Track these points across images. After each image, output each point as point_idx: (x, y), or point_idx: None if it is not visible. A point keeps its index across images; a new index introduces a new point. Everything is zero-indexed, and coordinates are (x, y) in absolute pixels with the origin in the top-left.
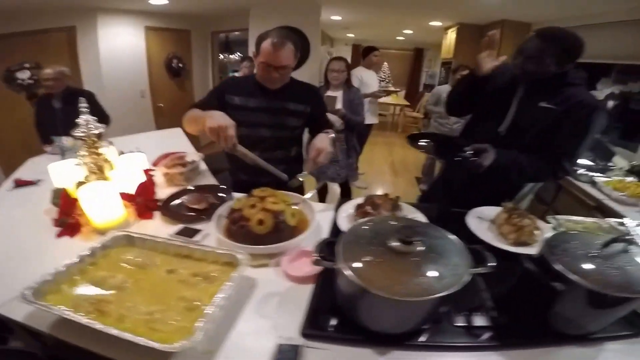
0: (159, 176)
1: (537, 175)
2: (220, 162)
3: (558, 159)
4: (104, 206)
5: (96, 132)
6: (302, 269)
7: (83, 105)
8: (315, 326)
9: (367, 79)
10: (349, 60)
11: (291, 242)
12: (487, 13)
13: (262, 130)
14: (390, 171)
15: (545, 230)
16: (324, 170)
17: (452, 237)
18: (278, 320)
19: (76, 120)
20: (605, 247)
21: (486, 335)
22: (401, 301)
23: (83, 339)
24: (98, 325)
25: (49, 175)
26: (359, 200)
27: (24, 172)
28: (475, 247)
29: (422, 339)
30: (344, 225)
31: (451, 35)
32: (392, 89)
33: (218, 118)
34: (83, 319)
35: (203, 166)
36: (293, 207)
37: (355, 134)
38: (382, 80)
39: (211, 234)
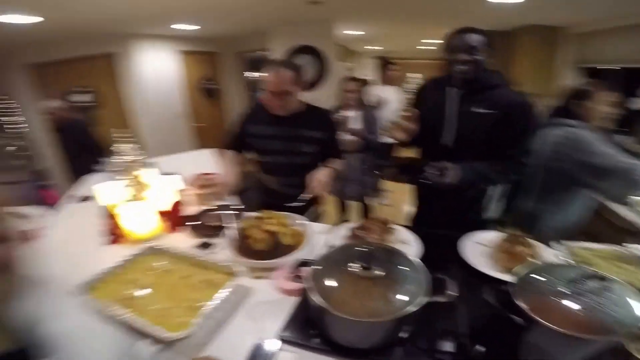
0: (191, 195)
1: (500, 178)
2: (246, 181)
3: (514, 158)
4: (139, 222)
5: (134, 158)
6: (292, 283)
7: (127, 136)
8: (291, 332)
9: (386, 96)
10: (373, 73)
11: (284, 259)
12: (509, 19)
13: (278, 157)
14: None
15: (548, 257)
16: (343, 189)
17: (417, 264)
18: (263, 324)
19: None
20: (577, 284)
21: None
22: (351, 320)
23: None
24: (124, 315)
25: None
26: (354, 224)
27: (79, 188)
28: (440, 275)
29: (384, 356)
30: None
31: None
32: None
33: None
34: (116, 311)
35: None
36: (293, 227)
37: (373, 153)
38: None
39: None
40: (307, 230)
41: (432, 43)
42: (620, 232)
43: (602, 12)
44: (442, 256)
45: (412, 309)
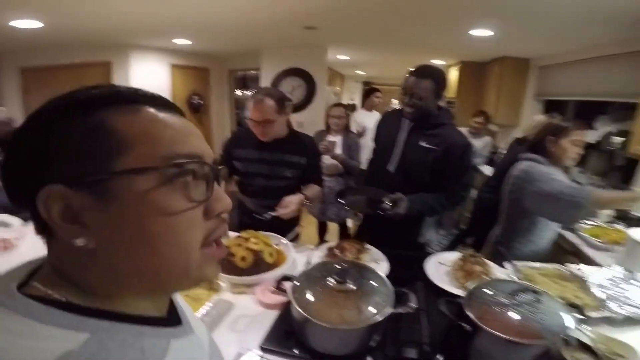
0: None
1: (443, 208)
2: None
3: (454, 191)
4: None
5: None
6: (272, 297)
7: None
8: (272, 343)
9: (368, 123)
10: (360, 97)
11: (265, 276)
12: (486, 51)
13: (260, 180)
14: None
15: (500, 275)
16: (324, 211)
17: (384, 279)
18: (245, 335)
19: None
20: (513, 297)
21: None
22: (328, 328)
23: None
24: None
25: None
26: (332, 243)
27: None
28: (403, 290)
29: None
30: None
31: (453, 74)
32: None
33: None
34: None
35: None
36: (275, 246)
37: (353, 178)
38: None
39: None
40: (288, 249)
41: None
42: (566, 253)
43: (558, 46)
44: (409, 273)
45: (379, 318)
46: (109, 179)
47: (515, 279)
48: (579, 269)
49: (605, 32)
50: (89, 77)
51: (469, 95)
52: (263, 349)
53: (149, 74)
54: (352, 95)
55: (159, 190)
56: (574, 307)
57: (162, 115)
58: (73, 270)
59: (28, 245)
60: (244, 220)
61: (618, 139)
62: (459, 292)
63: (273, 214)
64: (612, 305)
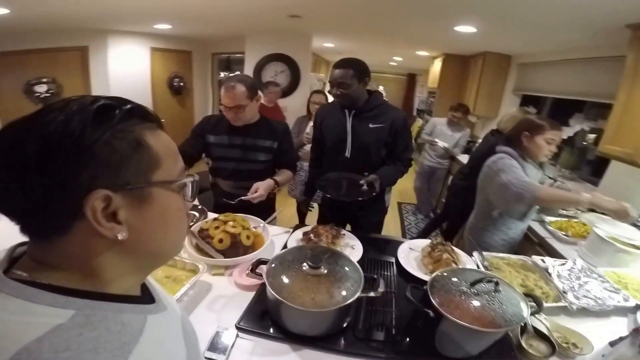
0: None
1: (402, 174)
2: (206, 181)
3: (403, 159)
4: None
5: None
6: (249, 279)
7: None
8: (247, 322)
9: None
10: None
11: (242, 258)
12: (470, 46)
13: (233, 164)
14: None
15: (468, 264)
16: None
17: (355, 265)
18: (222, 315)
19: None
20: (474, 285)
21: (379, 348)
22: (301, 310)
23: None
24: None
25: None
26: (307, 228)
27: None
28: (373, 275)
29: (328, 343)
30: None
31: (437, 65)
32: None
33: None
34: None
35: None
36: (253, 229)
37: None
38: None
39: (185, 246)
40: (266, 232)
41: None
42: (533, 244)
43: (536, 46)
44: (382, 258)
45: (347, 302)
46: (147, 187)
47: (482, 267)
48: (543, 261)
49: (583, 37)
50: (63, 62)
51: (450, 87)
52: (238, 328)
53: (127, 57)
54: None
55: (176, 195)
56: (532, 297)
57: (167, 136)
58: (76, 259)
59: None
60: (219, 201)
61: (591, 136)
62: (427, 278)
63: (243, 198)
64: (570, 296)
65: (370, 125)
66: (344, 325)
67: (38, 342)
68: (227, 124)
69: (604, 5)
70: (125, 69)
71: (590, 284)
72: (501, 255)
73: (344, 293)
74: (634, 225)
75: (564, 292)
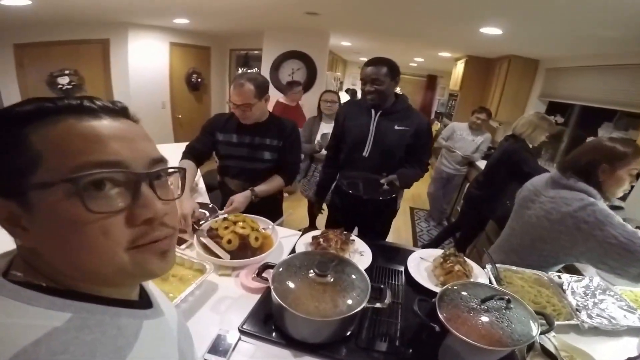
0: None
1: (419, 177)
2: (215, 180)
3: (422, 162)
4: None
5: None
6: (255, 282)
7: None
8: (251, 325)
9: None
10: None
11: (249, 260)
12: (495, 48)
13: (243, 163)
14: None
15: (481, 276)
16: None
17: (363, 274)
18: (226, 316)
19: None
20: (484, 302)
21: (381, 358)
22: (304, 318)
23: None
24: None
25: None
26: (317, 232)
27: None
28: (380, 285)
29: (330, 351)
30: (300, 250)
31: (459, 67)
32: None
33: (181, 205)
34: None
35: (201, 184)
36: (262, 230)
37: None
38: None
39: (194, 245)
40: (274, 234)
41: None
42: None
43: (566, 50)
44: (392, 267)
45: (352, 312)
46: (26, 192)
47: (494, 281)
48: (559, 276)
49: (616, 41)
50: (85, 54)
51: (472, 90)
52: (241, 331)
53: (147, 51)
54: (355, 80)
55: (67, 202)
56: (543, 315)
57: (83, 124)
58: (40, 262)
59: None
60: (226, 201)
61: None
62: (437, 289)
63: (221, 212)
64: (583, 314)
65: (396, 127)
66: (347, 334)
67: (35, 344)
68: (237, 122)
69: None
70: (145, 63)
71: (606, 302)
72: (514, 268)
73: (349, 302)
74: None
75: (577, 310)
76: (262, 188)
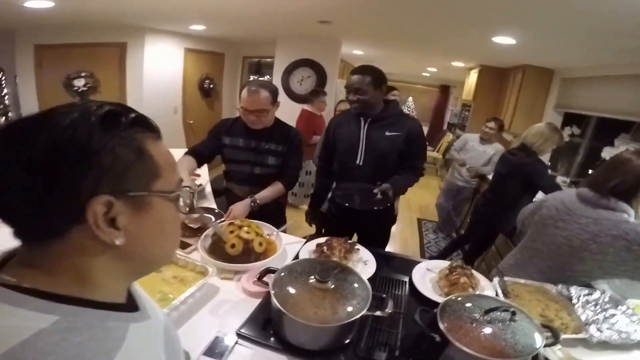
0: None
1: (413, 183)
2: (221, 184)
3: (416, 168)
4: None
5: None
6: (256, 286)
7: None
8: (249, 329)
9: None
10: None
11: (252, 265)
12: (509, 57)
13: (248, 167)
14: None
15: (487, 289)
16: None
17: (364, 282)
18: (225, 320)
19: None
20: (488, 313)
21: None
22: (303, 323)
23: None
24: None
25: None
26: (321, 240)
27: None
28: (382, 294)
29: (327, 359)
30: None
31: (473, 77)
32: None
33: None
34: None
35: (209, 189)
36: (266, 236)
37: None
38: None
39: (198, 249)
40: (279, 241)
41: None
42: None
43: (582, 60)
44: (396, 277)
45: (350, 320)
46: (147, 196)
47: (501, 294)
48: (568, 289)
49: (634, 50)
50: (102, 57)
51: (486, 100)
52: (239, 335)
53: (162, 56)
54: None
55: (172, 205)
56: (549, 328)
57: (166, 148)
58: (68, 263)
59: None
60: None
61: None
62: (441, 300)
63: (216, 223)
64: (592, 328)
65: (387, 133)
66: (346, 341)
67: (23, 345)
68: (243, 126)
69: None
70: (159, 68)
71: (618, 316)
72: (522, 281)
73: (349, 310)
74: None
75: (587, 323)
76: (262, 195)
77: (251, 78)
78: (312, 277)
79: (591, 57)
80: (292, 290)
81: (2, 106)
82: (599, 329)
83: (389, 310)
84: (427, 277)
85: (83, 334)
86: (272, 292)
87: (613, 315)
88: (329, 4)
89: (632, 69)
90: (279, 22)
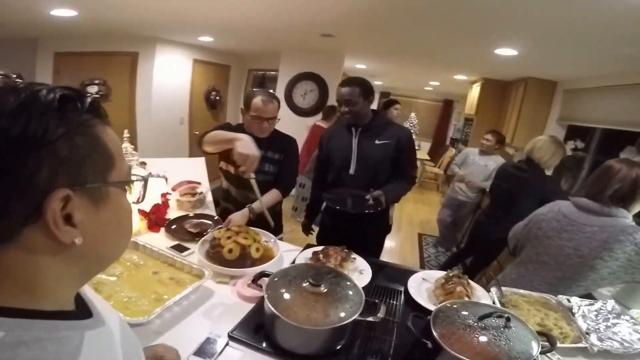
0: (173, 200)
1: (406, 191)
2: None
3: (408, 176)
4: None
5: (131, 159)
6: (250, 290)
7: (125, 135)
8: (240, 332)
9: None
10: (376, 107)
11: (247, 270)
12: (511, 70)
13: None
14: (396, 225)
15: (484, 299)
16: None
17: (357, 288)
18: (217, 322)
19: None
20: (482, 320)
21: None
22: (293, 326)
23: None
24: None
25: None
26: (318, 248)
27: None
28: (375, 300)
29: None
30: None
31: (475, 90)
32: None
33: (249, 146)
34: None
35: (209, 197)
36: (264, 242)
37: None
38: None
39: (196, 253)
40: (276, 247)
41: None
42: None
43: (585, 71)
44: (392, 285)
45: (342, 323)
46: (104, 187)
47: (498, 303)
48: (569, 300)
49: (638, 57)
50: (115, 65)
51: (489, 114)
52: (231, 337)
53: (171, 66)
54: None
55: (125, 194)
56: (545, 335)
57: (114, 132)
58: (16, 270)
59: None
60: (229, 208)
61: None
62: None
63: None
64: (593, 337)
65: (377, 142)
66: (337, 347)
67: None
68: (244, 133)
69: None
70: (168, 77)
71: (620, 326)
72: (522, 291)
73: (342, 314)
74: None
75: (587, 333)
76: (259, 205)
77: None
78: (306, 281)
79: (593, 67)
80: (285, 294)
81: None
82: (599, 338)
83: (381, 315)
84: (423, 286)
85: (33, 349)
86: (265, 294)
87: (616, 324)
88: (331, 17)
89: (636, 77)
90: (283, 35)
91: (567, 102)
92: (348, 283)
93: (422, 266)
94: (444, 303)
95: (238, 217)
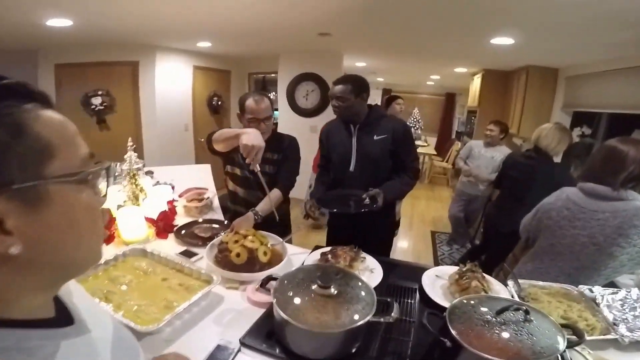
0: (180, 206)
1: (410, 186)
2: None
3: (409, 169)
4: (132, 226)
5: (137, 167)
6: (261, 296)
7: (130, 145)
8: (252, 338)
9: None
10: (379, 104)
11: (256, 274)
12: (510, 59)
13: (245, 173)
14: (407, 223)
15: (502, 293)
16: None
17: (368, 287)
18: (228, 329)
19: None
20: (500, 314)
21: None
22: (304, 329)
23: None
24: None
25: None
26: (326, 249)
27: None
28: (385, 299)
29: None
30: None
31: (476, 82)
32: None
33: (254, 137)
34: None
35: (216, 202)
36: (271, 245)
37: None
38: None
39: (204, 258)
40: (284, 250)
41: (439, 79)
42: None
43: (585, 56)
44: (406, 284)
45: (354, 325)
46: (40, 185)
47: (516, 297)
48: (591, 290)
49: (635, 38)
50: (117, 75)
51: (492, 105)
52: (242, 343)
53: (172, 74)
54: (373, 102)
55: (83, 189)
56: (570, 327)
57: (61, 116)
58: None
59: None
60: (238, 210)
61: None
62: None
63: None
64: (622, 328)
65: (375, 137)
66: (352, 350)
67: None
68: None
69: None
70: (170, 85)
71: None
72: (541, 283)
73: (355, 317)
74: None
75: (615, 324)
76: (262, 207)
77: None
78: (314, 283)
79: (593, 52)
80: (293, 297)
81: None
82: (629, 329)
83: (395, 314)
84: (437, 283)
85: None
86: (273, 299)
87: None
88: (327, 16)
89: (635, 60)
90: (280, 36)
91: (570, 89)
92: (359, 283)
93: (437, 265)
94: (458, 299)
95: (243, 222)
